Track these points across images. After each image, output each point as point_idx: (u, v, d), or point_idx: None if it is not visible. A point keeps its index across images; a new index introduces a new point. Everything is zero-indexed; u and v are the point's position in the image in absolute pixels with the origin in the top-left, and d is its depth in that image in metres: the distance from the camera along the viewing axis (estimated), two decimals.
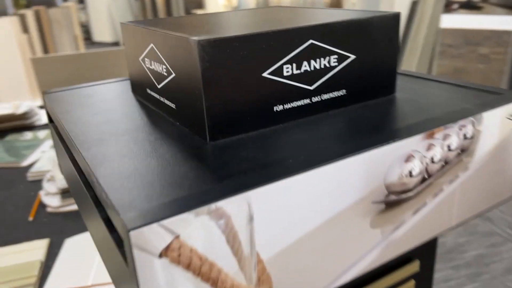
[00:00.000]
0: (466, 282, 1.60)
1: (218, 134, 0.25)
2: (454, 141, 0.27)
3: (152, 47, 0.29)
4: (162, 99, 0.30)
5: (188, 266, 0.18)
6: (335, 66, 0.29)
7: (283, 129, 0.27)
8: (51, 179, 1.00)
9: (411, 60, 3.36)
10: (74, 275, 0.71)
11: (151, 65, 0.30)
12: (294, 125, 0.28)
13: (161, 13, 4.95)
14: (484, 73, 2.72)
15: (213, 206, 0.18)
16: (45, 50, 3.39)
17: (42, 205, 0.94)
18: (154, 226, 0.17)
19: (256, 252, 0.20)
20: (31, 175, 1.07)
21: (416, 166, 0.25)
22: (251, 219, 0.20)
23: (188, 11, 5.08)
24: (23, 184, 1.05)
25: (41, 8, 3.37)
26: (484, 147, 0.28)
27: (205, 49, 0.23)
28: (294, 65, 0.27)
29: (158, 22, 0.33)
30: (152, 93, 0.32)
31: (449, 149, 0.26)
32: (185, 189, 0.20)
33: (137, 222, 0.17)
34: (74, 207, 0.92)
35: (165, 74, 0.28)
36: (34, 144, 1.26)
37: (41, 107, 1.65)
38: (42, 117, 1.51)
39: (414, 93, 0.33)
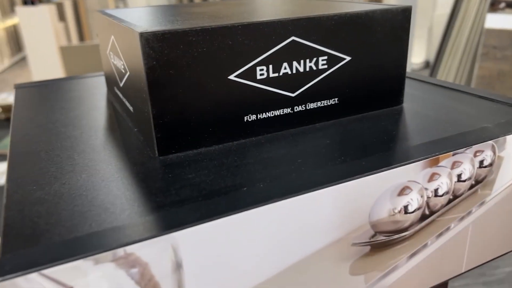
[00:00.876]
0: None
1: (169, 148, 0.21)
2: (467, 169, 0.21)
3: (113, 40, 0.25)
4: (124, 99, 0.26)
5: None
6: (325, 70, 0.24)
7: (255, 143, 0.22)
8: None
9: (451, 61, 3.20)
10: None
11: (114, 60, 0.26)
12: (271, 139, 0.23)
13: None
14: None
15: (122, 251, 0.14)
16: (81, 38, 3.45)
17: None
18: (34, 276, 0.13)
19: None
20: None
21: (413, 201, 0.20)
22: (178, 266, 0.15)
23: None
24: None
25: None
26: (506, 177, 0.23)
27: (150, 44, 0.19)
28: (271, 66, 0.22)
29: (136, 12, 0.29)
30: (117, 91, 0.28)
31: (459, 180, 0.21)
32: (90, 225, 0.15)
33: (6, 270, 0.13)
34: None
35: (123, 71, 0.24)
36: None
37: None
38: None
39: (426, 105, 0.27)
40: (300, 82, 0.23)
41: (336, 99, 0.24)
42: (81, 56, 1.75)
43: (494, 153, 0.22)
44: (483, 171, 0.22)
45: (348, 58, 0.24)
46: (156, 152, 0.21)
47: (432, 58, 4.40)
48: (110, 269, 0.14)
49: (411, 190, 0.20)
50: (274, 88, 0.22)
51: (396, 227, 0.20)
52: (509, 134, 0.22)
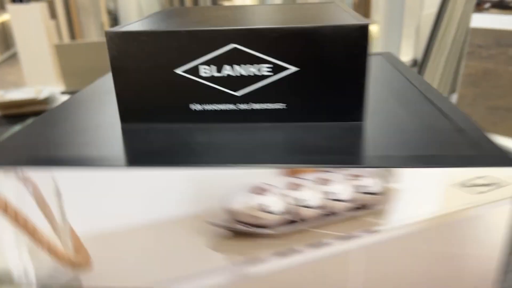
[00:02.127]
0: None
1: (128, 118, 0.28)
2: (339, 190, 0.23)
3: None
4: None
5: (5, 210, 0.22)
6: (269, 76, 0.27)
7: (198, 128, 0.28)
8: None
9: (438, 60, 3.27)
10: None
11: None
12: (219, 128, 0.28)
13: (188, 1, 4.96)
14: None
15: (20, 171, 0.21)
16: (72, 36, 3.45)
17: None
18: None
19: (69, 223, 0.23)
20: None
21: (272, 203, 0.23)
22: (58, 194, 0.21)
23: (215, 2, 5.08)
24: None
25: None
26: (408, 213, 0.24)
27: (113, 40, 0.25)
28: (214, 67, 0.26)
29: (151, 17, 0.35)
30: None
31: (333, 198, 0.24)
32: (31, 149, 0.25)
33: None
34: None
35: None
36: None
37: (63, 93, 1.68)
38: None
39: (385, 122, 0.30)
40: (243, 83, 0.27)
41: (284, 104, 0.28)
42: (76, 54, 1.77)
43: (382, 182, 0.23)
44: (367, 198, 0.24)
45: (294, 69, 0.27)
46: (120, 119, 0.28)
47: (419, 56, 4.46)
48: (15, 182, 0.21)
49: (268, 192, 0.23)
50: (218, 85, 0.27)
51: (257, 222, 0.23)
52: (407, 167, 0.23)
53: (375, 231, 0.24)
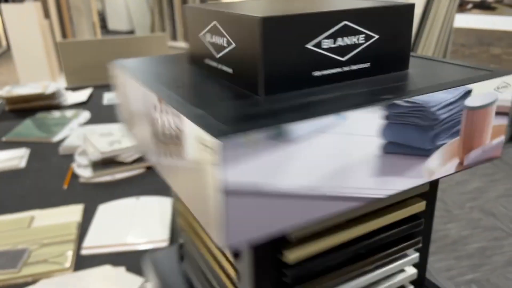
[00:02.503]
0: (467, 272, 1.66)
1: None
2: (166, 120, 0.32)
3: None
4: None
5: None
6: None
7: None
8: (83, 153, 1.07)
9: None
10: (110, 235, 0.78)
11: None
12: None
13: (177, 2, 5.00)
14: None
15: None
16: (64, 35, 3.47)
17: (75, 176, 1.02)
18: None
19: None
20: (62, 150, 1.15)
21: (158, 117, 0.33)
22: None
23: (203, 1, 5.13)
24: (55, 157, 1.13)
25: None
26: (189, 153, 0.30)
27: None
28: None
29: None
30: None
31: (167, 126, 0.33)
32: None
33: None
34: (105, 178, 0.99)
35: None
36: (63, 122, 1.34)
37: (67, 88, 1.73)
38: (68, 98, 1.59)
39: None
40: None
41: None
42: (77, 51, 1.81)
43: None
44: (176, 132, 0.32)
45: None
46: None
47: None
48: None
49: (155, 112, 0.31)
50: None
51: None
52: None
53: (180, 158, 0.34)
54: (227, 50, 0.35)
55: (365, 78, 0.37)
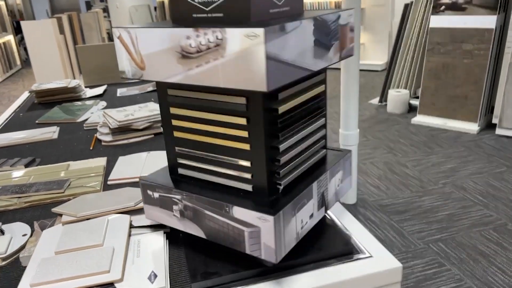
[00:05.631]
0: (436, 234, 1.89)
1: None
2: (204, 39, 0.58)
3: None
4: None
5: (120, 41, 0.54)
6: (218, 1, 0.62)
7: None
8: (103, 125, 1.34)
9: (405, 58, 3.66)
10: (129, 172, 1.05)
11: None
12: None
13: None
14: (468, 67, 3.02)
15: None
16: (76, 50, 3.80)
17: (98, 142, 1.28)
18: None
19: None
20: (86, 126, 1.42)
21: (192, 42, 0.58)
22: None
23: None
24: (81, 131, 1.40)
25: (73, 13, 3.79)
26: (232, 48, 0.55)
27: None
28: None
29: None
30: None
31: (202, 43, 0.59)
32: None
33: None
34: (122, 142, 1.26)
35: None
36: (85, 108, 1.62)
37: (85, 87, 2.01)
38: (87, 92, 1.87)
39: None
40: (209, 4, 0.62)
41: (221, 13, 0.63)
42: (94, 54, 2.10)
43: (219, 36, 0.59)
44: (218, 42, 0.58)
45: None
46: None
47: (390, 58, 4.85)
48: None
49: (190, 38, 0.59)
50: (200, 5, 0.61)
51: (187, 50, 0.59)
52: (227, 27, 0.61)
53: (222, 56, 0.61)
54: (217, 3, 0.62)
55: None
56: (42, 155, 1.22)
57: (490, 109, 3.14)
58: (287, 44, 0.55)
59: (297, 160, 0.66)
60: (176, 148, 0.71)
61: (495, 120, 3.01)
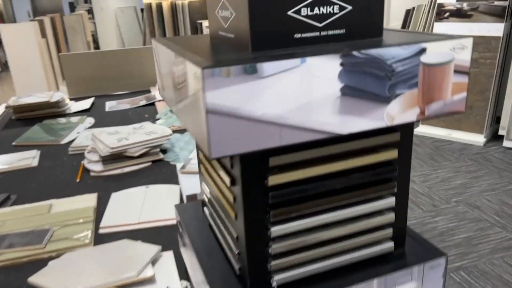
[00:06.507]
0: (455, 260, 1.75)
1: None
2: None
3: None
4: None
5: None
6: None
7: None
8: (92, 151, 1.15)
9: None
10: (125, 216, 0.86)
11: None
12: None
13: (168, 24, 5.14)
14: (474, 77, 2.90)
15: None
16: (59, 53, 3.57)
17: (86, 171, 1.10)
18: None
19: None
20: (72, 149, 1.23)
21: None
22: None
23: (193, 23, 5.27)
24: (65, 156, 1.21)
25: (56, 15, 3.56)
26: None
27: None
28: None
29: None
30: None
31: None
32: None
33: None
34: (115, 171, 1.07)
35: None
36: (69, 127, 1.42)
37: (70, 99, 1.81)
38: (72, 107, 1.67)
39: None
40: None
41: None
42: (79, 62, 1.91)
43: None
44: None
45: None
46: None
47: None
48: None
49: None
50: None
51: None
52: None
53: None
54: (230, 19, 0.45)
55: (342, 42, 0.46)
56: (18, 189, 1.02)
57: (495, 120, 3.02)
58: (265, 93, 0.38)
59: (312, 252, 0.48)
60: None
61: (501, 132, 2.90)
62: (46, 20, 3.28)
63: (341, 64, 0.40)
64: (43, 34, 3.14)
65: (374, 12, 0.47)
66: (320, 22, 0.44)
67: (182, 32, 4.85)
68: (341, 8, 0.45)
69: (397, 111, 0.45)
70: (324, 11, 0.44)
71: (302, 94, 0.39)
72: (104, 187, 1.00)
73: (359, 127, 0.43)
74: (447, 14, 2.94)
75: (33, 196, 0.98)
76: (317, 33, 0.44)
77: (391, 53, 0.42)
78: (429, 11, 3.31)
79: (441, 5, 2.96)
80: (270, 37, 0.42)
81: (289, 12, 0.42)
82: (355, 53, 0.41)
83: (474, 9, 2.84)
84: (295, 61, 0.38)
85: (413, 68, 0.44)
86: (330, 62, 0.40)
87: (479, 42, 2.83)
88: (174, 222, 0.84)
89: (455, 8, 2.90)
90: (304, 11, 0.43)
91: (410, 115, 0.46)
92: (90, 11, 6.52)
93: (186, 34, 4.93)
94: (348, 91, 0.41)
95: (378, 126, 0.44)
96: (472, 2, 2.86)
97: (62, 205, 0.92)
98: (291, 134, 0.39)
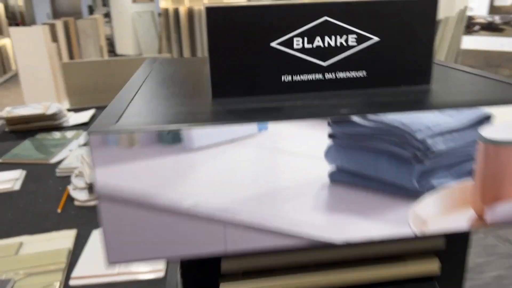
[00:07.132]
0: None
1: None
2: None
3: None
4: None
5: None
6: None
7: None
8: (79, 175, 1.03)
9: None
10: (101, 263, 0.73)
11: None
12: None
13: (184, 29, 5.07)
14: None
15: None
16: (71, 58, 3.50)
17: (70, 199, 0.97)
18: None
19: None
20: (59, 171, 1.11)
21: None
22: None
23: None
24: (51, 179, 1.09)
25: (69, 19, 3.50)
26: None
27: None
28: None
29: None
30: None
31: None
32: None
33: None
34: None
35: None
36: (62, 143, 1.31)
37: (69, 110, 1.70)
38: (69, 119, 1.56)
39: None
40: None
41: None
42: (81, 72, 1.80)
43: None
44: None
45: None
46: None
47: None
48: None
49: None
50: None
51: None
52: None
53: None
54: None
55: (362, 89, 0.31)
56: None
57: None
58: (198, 172, 0.24)
59: None
60: None
61: None
62: (59, 23, 3.21)
63: (331, 136, 0.25)
64: (54, 38, 3.07)
65: (418, 48, 0.31)
66: (324, 60, 0.29)
67: (198, 37, 4.77)
68: (361, 39, 0.30)
69: (433, 214, 0.28)
70: (332, 43, 0.29)
71: (261, 178, 0.24)
72: (87, 221, 0.87)
73: (363, 234, 0.27)
74: (477, 27, 2.76)
75: (5, 229, 0.86)
76: (319, 76, 0.29)
77: (423, 121, 0.27)
78: (457, 24, 3.14)
79: (471, 18, 2.79)
80: (240, 78, 0.27)
81: (273, 44, 0.28)
82: (356, 119, 0.26)
83: (506, 22, 2.65)
84: (250, 128, 0.23)
85: (465, 146, 0.28)
86: (311, 131, 0.25)
87: (511, 58, 2.64)
88: (160, 274, 0.71)
89: (486, 22, 2.72)
90: (297, 42, 0.28)
91: (458, 221, 0.29)
92: (107, 15, 6.50)
93: (202, 39, 4.85)
94: (342, 178, 0.26)
95: (397, 234, 0.28)
96: (505, 15, 2.67)
97: (34, 244, 0.79)
98: (243, 237, 0.25)
